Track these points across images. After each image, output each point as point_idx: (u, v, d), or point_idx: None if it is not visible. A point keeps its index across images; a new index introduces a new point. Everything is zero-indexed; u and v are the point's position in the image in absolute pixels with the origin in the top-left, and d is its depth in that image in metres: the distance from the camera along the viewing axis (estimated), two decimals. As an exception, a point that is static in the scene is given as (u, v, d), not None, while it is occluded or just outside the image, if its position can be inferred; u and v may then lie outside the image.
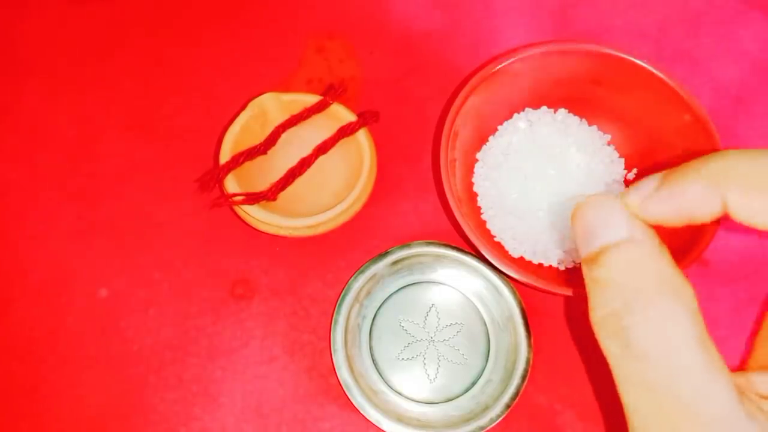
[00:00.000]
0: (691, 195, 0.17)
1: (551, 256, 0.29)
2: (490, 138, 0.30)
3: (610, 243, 0.17)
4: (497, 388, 0.27)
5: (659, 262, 0.17)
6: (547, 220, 0.29)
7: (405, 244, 0.29)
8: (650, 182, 0.18)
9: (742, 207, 0.17)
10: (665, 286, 0.17)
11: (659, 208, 0.18)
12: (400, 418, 0.27)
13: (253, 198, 0.28)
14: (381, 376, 0.28)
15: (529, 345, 0.28)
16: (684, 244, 0.26)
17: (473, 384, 0.28)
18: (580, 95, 0.30)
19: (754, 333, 0.28)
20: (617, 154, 0.30)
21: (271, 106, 0.30)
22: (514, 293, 0.28)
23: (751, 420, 0.16)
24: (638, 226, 0.18)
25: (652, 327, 0.16)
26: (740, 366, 0.28)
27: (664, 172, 0.18)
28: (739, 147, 0.32)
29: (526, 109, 0.30)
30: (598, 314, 0.17)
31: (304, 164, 0.30)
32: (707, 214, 0.17)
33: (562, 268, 0.29)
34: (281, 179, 0.29)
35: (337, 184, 0.30)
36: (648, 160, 0.29)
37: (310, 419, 0.28)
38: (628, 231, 0.17)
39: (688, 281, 0.17)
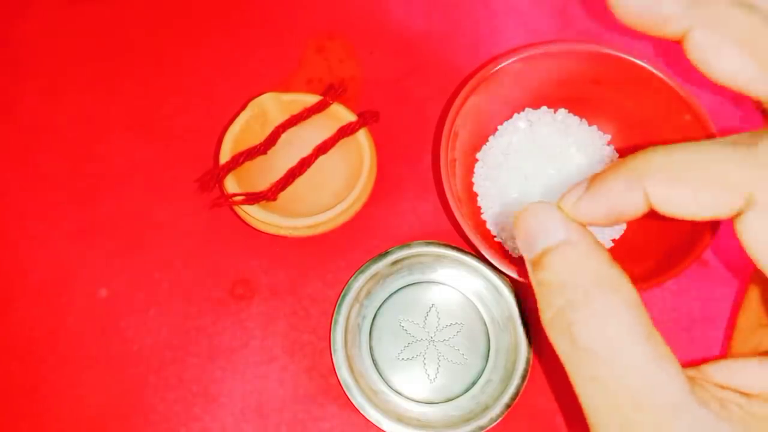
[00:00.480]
0: (615, 192, 0.18)
1: (551, 256, 0.29)
2: (490, 138, 0.30)
3: (549, 246, 0.18)
4: (497, 388, 0.28)
5: (596, 260, 0.18)
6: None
7: (405, 244, 0.29)
8: (581, 185, 0.19)
9: (662, 198, 0.17)
10: (603, 282, 0.17)
11: (589, 209, 0.19)
12: (400, 418, 0.27)
13: (253, 198, 0.28)
14: (381, 376, 0.28)
15: (529, 345, 0.28)
16: (684, 244, 0.26)
17: (473, 384, 0.28)
18: (580, 95, 0.30)
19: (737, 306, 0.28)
20: (617, 154, 0.30)
21: (271, 106, 0.30)
22: (513, 293, 0.28)
23: (702, 406, 0.16)
24: (574, 228, 0.18)
25: (594, 322, 0.17)
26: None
27: (592, 174, 0.19)
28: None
29: (526, 109, 0.30)
30: (547, 315, 0.18)
31: (304, 164, 0.30)
32: (632, 209, 0.18)
33: (562, 268, 0.29)
34: (281, 179, 0.29)
35: (337, 184, 0.30)
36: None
37: (310, 419, 0.28)
38: (565, 233, 0.18)
39: (627, 276, 0.18)
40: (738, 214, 0.17)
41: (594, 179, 0.19)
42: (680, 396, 0.16)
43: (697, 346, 0.29)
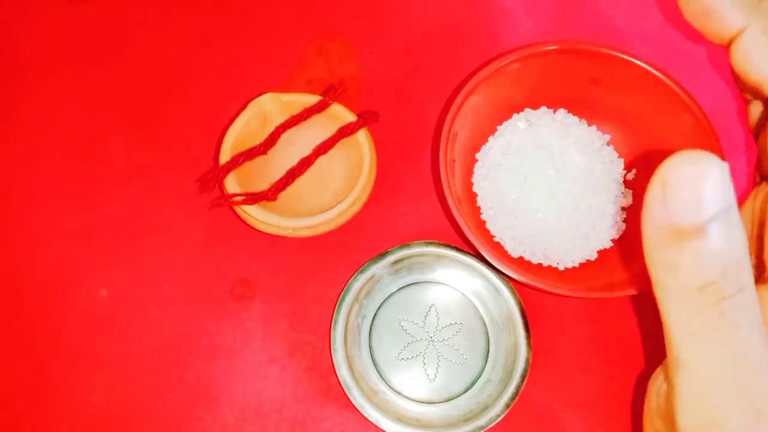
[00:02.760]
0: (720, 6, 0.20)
1: (551, 256, 0.29)
2: (490, 138, 0.30)
3: (718, 212, 0.17)
4: (497, 387, 0.28)
5: (743, 227, 0.17)
6: (547, 220, 0.29)
7: (405, 244, 0.29)
8: None
9: (751, 41, 0.20)
10: (746, 253, 0.17)
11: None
12: (400, 418, 0.27)
13: (253, 198, 0.28)
14: (381, 376, 0.28)
15: (529, 345, 0.28)
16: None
17: (473, 384, 0.28)
18: (579, 95, 0.30)
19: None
20: (617, 154, 0.30)
21: (271, 106, 0.30)
22: (513, 293, 0.28)
23: None
24: (730, 189, 0.17)
25: (743, 295, 0.17)
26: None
27: None
28: (739, 147, 0.32)
29: (526, 109, 0.30)
30: (693, 285, 0.17)
31: (304, 164, 0.30)
32: (722, 24, 0.20)
33: (561, 268, 0.29)
34: (281, 179, 0.29)
35: (337, 184, 0.30)
36: (648, 160, 0.29)
37: (310, 419, 0.28)
38: (728, 198, 0.17)
39: None
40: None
41: None
42: None
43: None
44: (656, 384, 0.21)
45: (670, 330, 0.18)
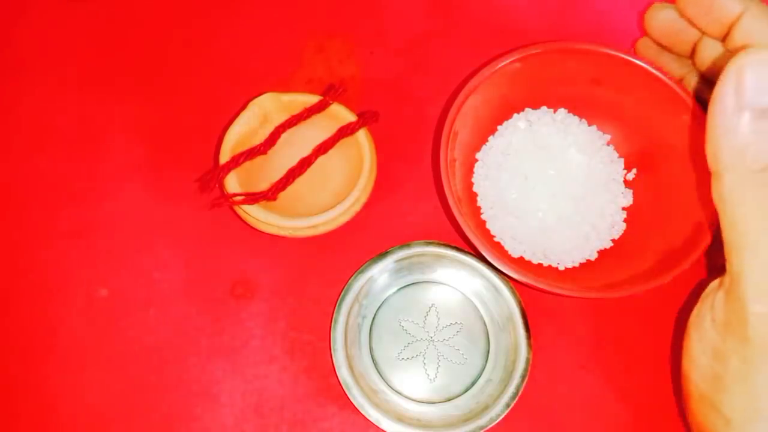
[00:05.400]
0: None
1: (551, 256, 0.29)
2: (490, 138, 0.30)
3: None
4: (497, 387, 0.28)
5: None
6: (547, 220, 0.29)
7: (405, 244, 0.29)
8: None
9: (751, 21, 0.22)
10: None
11: None
12: (400, 418, 0.27)
13: (253, 198, 0.28)
14: (381, 375, 0.28)
15: (529, 345, 0.28)
16: (684, 244, 0.26)
17: (473, 384, 0.28)
18: (580, 95, 0.30)
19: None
20: (617, 154, 0.30)
21: (271, 106, 0.30)
22: (513, 293, 0.28)
23: None
24: None
25: None
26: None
27: None
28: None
29: (526, 109, 0.30)
30: (759, 165, 0.19)
31: (304, 164, 0.30)
32: (726, 11, 0.23)
33: (561, 268, 0.29)
34: (281, 179, 0.29)
35: (337, 184, 0.30)
36: (648, 160, 0.29)
37: (310, 419, 0.28)
38: None
39: None
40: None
41: None
42: None
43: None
44: (708, 302, 0.21)
45: (735, 215, 0.19)
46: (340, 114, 0.30)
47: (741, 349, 0.19)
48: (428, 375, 0.28)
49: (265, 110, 0.30)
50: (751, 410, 0.19)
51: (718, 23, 0.24)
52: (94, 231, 0.31)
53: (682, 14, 0.25)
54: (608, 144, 0.30)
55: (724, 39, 0.24)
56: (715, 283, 0.21)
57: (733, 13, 0.23)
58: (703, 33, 0.25)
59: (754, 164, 0.18)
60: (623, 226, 0.29)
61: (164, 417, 0.28)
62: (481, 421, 0.27)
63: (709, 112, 0.19)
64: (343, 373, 0.27)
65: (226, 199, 0.28)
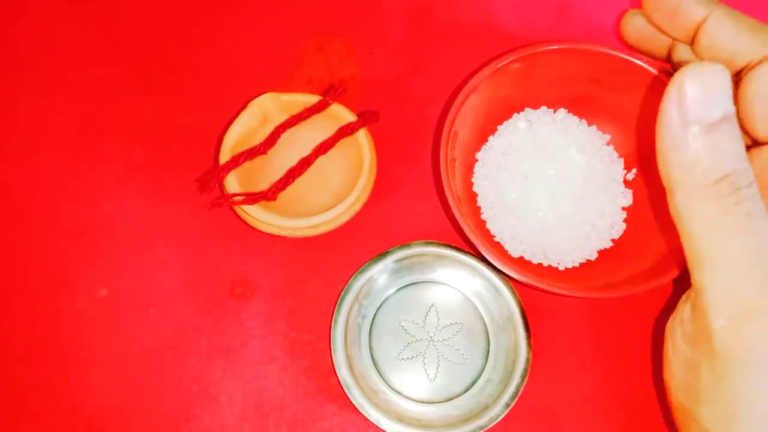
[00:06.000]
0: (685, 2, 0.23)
1: (551, 256, 0.29)
2: (490, 138, 0.30)
3: (727, 114, 0.19)
4: (497, 387, 0.28)
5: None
6: (547, 220, 0.29)
7: (405, 244, 0.29)
8: None
9: (715, 25, 0.22)
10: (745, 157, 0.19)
11: None
12: (400, 418, 0.27)
13: (253, 198, 0.28)
14: (381, 375, 0.28)
15: (529, 345, 0.28)
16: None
17: (473, 384, 0.28)
18: (579, 95, 0.30)
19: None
20: (617, 154, 0.30)
21: (271, 106, 0.30)
22: (513, 293, 0.28)
23: None
24: (732, 101, 0.19)
25: (752, 188, 0.19)
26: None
27: None
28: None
29: (526, 109, 0.30)
30: (712, 177, 0.19)
31: (304, 164, 0.30)
32: (688, 17, 0.23)
33: (561, 268, 0.29)
34: (281, 179, 0.29)
35: (337, 184, 0.30)
36: (647, 160, 0.29)
37: (310, 419, 0.28)
38: (733, 105, 0.19)
39: None
40: (750, 66, 0.21)
41: None
42: None
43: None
44: (678, 315, 0.22)
45: (692, 230, 0.19)
46: (340, 114, 0.30)
47: (709, 361, 0.19)
48: (428, 375, 0.28)
49: (265, 110, 0.30)
50: (727, 422, 0.19)
51: (683, 29, 0.24)
52: (94, 231, 0.31)
53: (649, 21, 0.25)
54: (608, 144, 0.30)
55: (692, 43, 0.24)
56: (684, 296, 0.22)
57: (697, 17, 0.23)
58: (672, 38, 0.25)
59: (705, 179, 0.18)
60: (623, 226, 0.29)
61: (164, 417, 0.28)
62: (481, 421, 0.27)
63: (656, 129, 0.19)
64: (343, 373, 0.27)
65: (226, 199, 0.28)
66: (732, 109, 0.19)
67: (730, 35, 0.22)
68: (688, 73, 0.18)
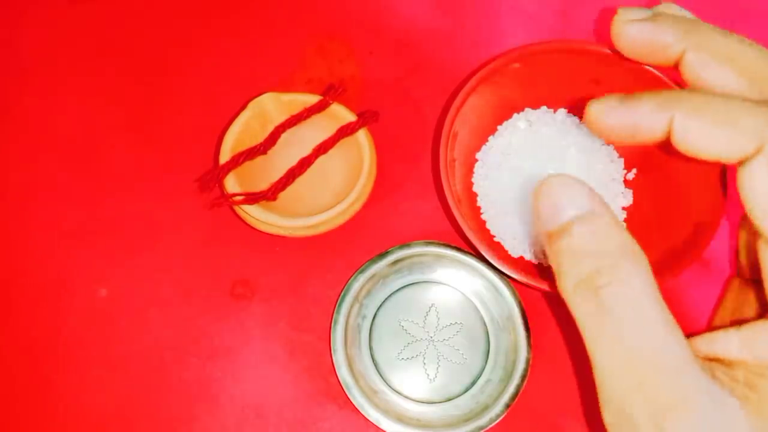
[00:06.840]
0: (645, 109, 0.20)
1: (551, 256, 0.29)
2: (490, 138, 0.30)
3: (577, 215, 0.19)
4: (497, 387, 0.28)
5: (620, 229, 0.19)
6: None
7: (405, 244, 0.29)
8: (613, 97, 0.21)
9: (683, 127, 0.19)
10: (627, 251, 0.19)
11: (616, 119, 0.21)
12: (400, 418, 0.27)
13: (253, 198, 0.28)
14: (381, 375, 0.28)
15: (529, 345, 0.28)
16: (684, 244, 0.26)
17: (473, 384, 0.28)
18: (580, 95, 0.30)
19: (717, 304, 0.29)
20: (617, 154, 0.30)
21: (271, 106, 0.30)
22: (513, 293, 0.28)
23: (704, 372, 0.18)
24: (597, 199, 0.20)
25: (621, 287, 0.18)
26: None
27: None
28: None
29: (526, 109, 0.30)
30: (571, 281, 0.19)
31: (304, 164, 0.30)
32: (652, 131, 0.20)
33: (561, 268, 0.29)
34: (281, 179, 0.29)
35: (337, 184, 0.30)
36: (647, 160, 0.29)
37: (310, 419, 0.28)
38: (590, 204, 0.19)
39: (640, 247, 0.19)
40: (744, 160, 0.19)
41: (629, 96, 0.21)
42: (686, 357, 0.18)
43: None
44: None
45: (578, 321, 0.19)
46: (340, 114, 0.30)
47: None
48: (428, 375, 0.28)
49: (265, 110, 0.30)
50: None
51: (664, 60, 0.23)
52: (94, 231, 0.31)
53: (628, 55, 0.24)
54: (608, 144, 0.30)
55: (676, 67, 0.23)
56: None
57: (675, 52, 0.22)
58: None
59: (568, 282, 0.19)
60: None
61: (164, 417, 0.28)
62: (481, 421, 0.27)
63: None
64: (343, 373, 0.27)
65: (226, 199, 0.28)
66: (590, 210, 0.19)
67: (712, 68, 0.21)
68: (540, 184, 0.20)
